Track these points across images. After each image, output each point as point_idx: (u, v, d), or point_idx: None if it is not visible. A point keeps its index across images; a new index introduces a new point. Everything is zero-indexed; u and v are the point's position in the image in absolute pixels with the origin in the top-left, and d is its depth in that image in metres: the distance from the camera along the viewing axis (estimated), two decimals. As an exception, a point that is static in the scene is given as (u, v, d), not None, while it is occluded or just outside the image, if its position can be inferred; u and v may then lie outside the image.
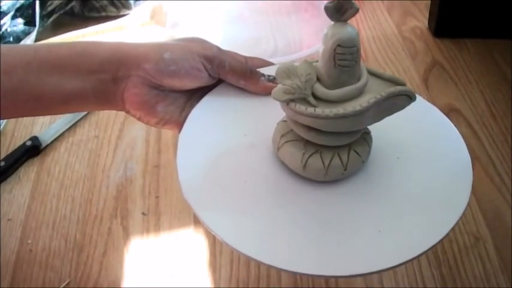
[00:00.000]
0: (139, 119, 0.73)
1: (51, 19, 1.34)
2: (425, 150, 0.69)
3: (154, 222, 0.89)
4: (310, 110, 0.58)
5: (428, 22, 1.30)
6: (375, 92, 0.59)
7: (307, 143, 0.63)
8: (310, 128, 0.61)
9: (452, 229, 0.59)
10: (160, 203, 0.92)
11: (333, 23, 0.58)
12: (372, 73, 0.63)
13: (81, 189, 0.94)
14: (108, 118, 1.08)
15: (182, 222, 0.88)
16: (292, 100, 0.59)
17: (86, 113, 1.09)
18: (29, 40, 1.22)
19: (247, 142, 0.69)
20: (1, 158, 0.98)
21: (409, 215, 0.61)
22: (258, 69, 0.76)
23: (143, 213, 0.90)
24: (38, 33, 1.29)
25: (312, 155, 0.63)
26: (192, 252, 0.84)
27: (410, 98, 0.61)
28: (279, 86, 0.60)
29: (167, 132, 1.05)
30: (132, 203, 0.92)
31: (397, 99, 0.60)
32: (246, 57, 0.77)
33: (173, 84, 0.70)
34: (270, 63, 0.79)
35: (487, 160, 0.96)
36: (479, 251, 0.83)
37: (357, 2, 0.55)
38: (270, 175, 0.66)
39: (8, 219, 0.91)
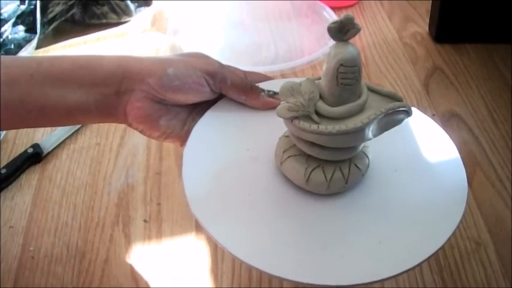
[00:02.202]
0: (141, 132, 0.74)
1: (52, 26, 1.34)
2: (422, 163, 0.71)
3: (156, 229, 0.89)
4: (314, 127, 0.60)
5: (429, 27, 1.30)
6: (375, 108, 0.62)
7: (309, 157, 0.65)
8: (313, 144, 0.63)
9: (451, 237, 0.61)
10: (162, 209, 0.92)
11: (335, 42, 0.60)
12: (371, 89, 0.65)
13: (83, 196, 0.95)
14: (109, 125, 1.08)
15: (184, 228, 0.88)
16: (296, 117, 0.60)
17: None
18: (30, 47, 1.23)
19: (250, 156, 0.71)
20: (3, 165, 0.98)
21: (408, 226, 0.63)
22: (257, 84, 0.77)
23: (145, 220, 0.90)
24: (39, 40, 1.29)
25: (314, 170, 0.64)
26: (193, 258, 0.84)
27: (407, 113, 0.63)
28: (283, 103, 0.61)
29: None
30: (133, 210, 0.92)
31: (396, 115, 0.63)
32: (245, 72, 0.78)
33: (176, 98, 0.72)
34: (269, 78, 0.81)
35: (488, 165, 0.96)
36: (481, 256, 0.83)
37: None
38: (273, 189, 0.67)
39: (10, 227, 0.91)
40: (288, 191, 0.67)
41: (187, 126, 0.75)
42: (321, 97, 0.62)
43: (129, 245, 0.87)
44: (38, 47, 1.30)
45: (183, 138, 0.74)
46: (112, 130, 1.07)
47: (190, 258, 0.84)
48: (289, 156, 0.66)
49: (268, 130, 0.71)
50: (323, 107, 0.61)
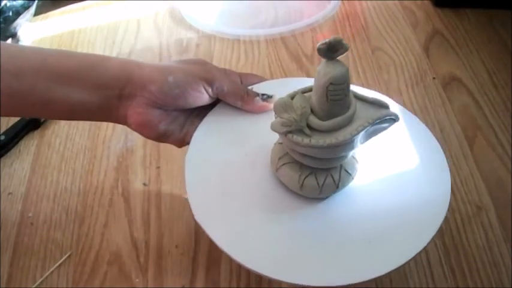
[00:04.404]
0: (140, 133, 0.77)
1: (50, -8, 1.33)
2: (409, 166, 0.74)
3: (155, 192, 0.89)
4: (306, 140, 0.64)
5: (429, -9, 1.29)
6: (362, 118, 0.65)
7: (302, 165, 0.69)
8: (305, 155, 0.66)
9: (435, 236, 0.66)
10: (161, 173, 0.92)
11: (325, 60, 0.63)
12: (358, 97, 0.68)
13: (82, 161, 0.94)
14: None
15: (183, 192, 0.88)
16: (290, 132, 0.64)
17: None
18: (29, 14, 1.21)
19: (248, 162, 0.75)
20: (1, 132, 0.98)
21: (395, 227, 0.68)
22: (252, 87, 0.81)
23: (144, 184, 0.90)
24: (37, 6, 1.27)
25: (307, 176, 0.69)
26: (193, 220, 0.84)
27: (394, 120, 0.66)
28: (278, 119, 0.65)
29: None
30: (133, 174, 0.92)
31: (383, 123, 0.66)
32: (241, 75, 0.83)
33: (176, 105, 0.75)
34: (263, 79, 0.85)
35: (489, 129, 0.96)
36: (482, 220, 0.83)
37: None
38: (270, 193, 0.72)
39: (9, 193, 0.91)
40: (283, 195, 0.71)
41: (185, 129, 0.79)
42: (312, 111, 0.65)
43: (128, 209, 0.87)
44: (36, 13, 1.29)
45: (181, 141, 0.79)
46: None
47: (190, 221, 0.85)
48: (283, 164, 0.70)
49: (264, 134, 0.73)
50: (314, 121, 0.65)
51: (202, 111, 0.79)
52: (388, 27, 1.21)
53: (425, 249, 0.78)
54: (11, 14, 1.16)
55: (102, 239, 0.83)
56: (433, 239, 0.66)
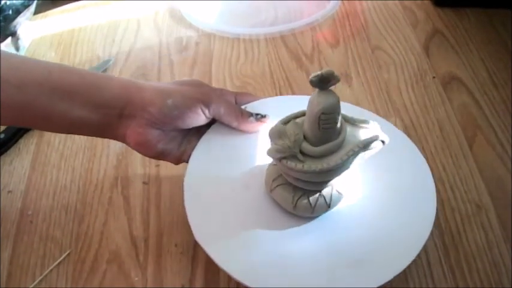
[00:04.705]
0: (138, 151, 0.81)
1: (50, -9, 1.33)
2: (396, 185, 0.78)
3: (155, 191, 0.89)
4: (299, 166, 0.68)
5: (429, -9, 1.29)
6: (352, 143, 0.70)
7: (296, 186, 0.73)
8: (299, 178, 0.71)
9: (420, 253, 0.71)
10: (161, 171, 0.92)
11: (317, 90, 0.67)
12: (347, 120, 0.73)
13: (81, 159, 0.94)
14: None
15: (182, 191, 0.88)
16: (284, 157, 0.69)
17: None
18: (28, 12, 1.21)
19: (244, 181, 0.79)
20: (1, 130, 0.98)
21: (382, 245, 0.72)
22: (246, 106, 0.86)
23: (144, 182, 0.90)
24: (37, 5, 1.27)
25: (300, 198, 0.73)
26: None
27: (382, 142, 0.70)
28: (273, 145, 0.70)
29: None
30: (132, 172, 0.92)
31: (372, 145, 0.70)
32: (236, 94, 0.87)
33: (175, 126, 0.78)
34: (256, 98, 0.89)
35: (489, 129, 0.96)
36: (482, 220, 0.83)
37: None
38: (265, 212, 0.76)
39: (9, 191, 0.91)
40: (277, 214, 0.76)
41: (182, 148, 0.82)
42: (304, 138, 0.70)
43: (128, 208, 0.87)
44: (36, 12, 1.28)
45: (178, 159, 0.82)
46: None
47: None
48: (277, 185, 0.75)
49: (259, 153, 0.82)
50: (307, 147, 0.69)
51: (199, 130, 0.83)
52: (388, 26, 1.21)
53: (425, 249, 0.79)
54: (11, 12, 1.16)
55: (102, 237, 0.83)
56: (417, 256, 0.70)
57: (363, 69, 1.10)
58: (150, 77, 1.11)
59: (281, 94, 1.05)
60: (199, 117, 0.79)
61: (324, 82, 0.64)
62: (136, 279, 0.78)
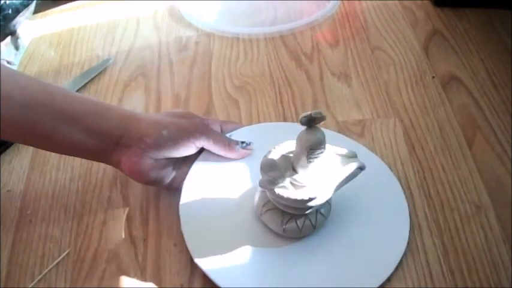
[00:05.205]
0: (130, 178, 0.85)
1: (49, -9, 1.33)
2: (373, 206, 0.85)
3: (154, 190, 0.89)
4: (289, 195, 0.74)
5: (428, -9, 1.29)
6: (337, 172, 0.76)
7: (284, 211, 0.79)
8: (288, 205, 0.76)
9: (400, 264, 0.77)
10: (160, 172, 0.91)
11: (305, 128, 0.73)
12: (331, 152, 0.79)
13: (81, 159, 0.94)
14: (107, 87, 1.09)
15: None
16: (275, 188, 0.75)
17: (85, 82, 1.09)
18: (28, 12, 1.21)
19: (235, 205, 0.85)
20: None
21: (362, 262, 0.78)
22: (231, 134, 0.92)
23: (143, 183, 0.90)
24: (37, 5, 1.27)
25: (288, 221, 0.79)
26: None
27: (361, 169, 0.77)
28: (265, 177, 0.76)
29: (166, 101, 1.06)
30: (131, 173, 0.91)
31: (353, 173, 0.77)
32: (220, 122, 0.92)
33: (168, 155, 0.83)
34: (240, 126, 0.96)
35: (488, 129, 0.96)
36: (481, 220, 0.83)
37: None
38: (255, 233, 0.82)
39: (8, 190, 0.91)
40: (268, 236, 0.82)
41: (173, 174, 0.86)
42: (293, 169, 0.77)
43: (127, 207, 0.87)
44: (35, 11, 1.29)
45: (168, 186, 0.86)
46: (110, 92, 1.08)
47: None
48: (267, 210, 0.80)
49: (246, 178, 0.88)
50: (296, 178, 0.76)
51: (188, 159, 0.87)
52: (387, 26, 1.21)
53: (424, 249, 0.79)
54: (10, 11, 1.16)
55: (101, 236, 0.83)
56: (397, 266, 0.77)
57: (363, 69, 1.10)
58: (150, 76, 1.11)
59: (280, 94, 1.05)
60: (191, 148, 0.84)
61: (312, 121, 0.71)
62: (135, 278, 0.78)
